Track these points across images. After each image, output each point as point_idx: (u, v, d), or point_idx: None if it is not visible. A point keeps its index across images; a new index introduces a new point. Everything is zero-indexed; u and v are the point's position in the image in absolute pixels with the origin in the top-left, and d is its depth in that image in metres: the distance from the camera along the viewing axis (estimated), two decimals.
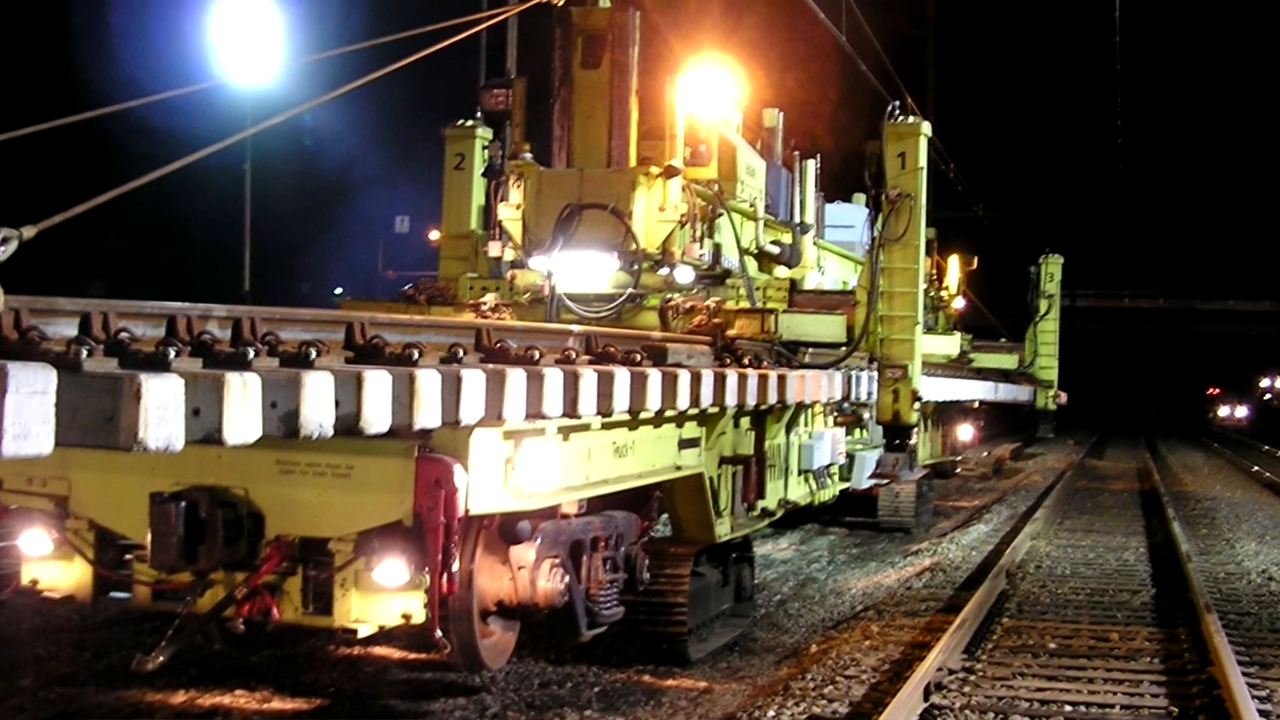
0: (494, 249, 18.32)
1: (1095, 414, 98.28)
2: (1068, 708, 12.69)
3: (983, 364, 41.88)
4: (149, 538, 9.77)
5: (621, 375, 10.90)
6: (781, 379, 14.93)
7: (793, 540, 25.73)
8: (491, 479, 10.10)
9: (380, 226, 59.04)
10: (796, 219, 22.64)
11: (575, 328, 13.19)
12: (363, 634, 10.15)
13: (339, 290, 54.38)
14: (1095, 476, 45.98)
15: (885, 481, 24.55)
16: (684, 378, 12.08)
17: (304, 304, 18.02)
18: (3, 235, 7.15)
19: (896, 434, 21.00)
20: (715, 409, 13.31)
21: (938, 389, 30.11)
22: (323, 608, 10.08)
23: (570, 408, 10.15)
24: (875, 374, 19.65)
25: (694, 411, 12.92)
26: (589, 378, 10.39)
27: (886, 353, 20.18)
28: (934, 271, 37.09)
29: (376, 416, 8.00)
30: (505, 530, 10.81)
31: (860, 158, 21.97)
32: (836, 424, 20.51)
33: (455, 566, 9.76)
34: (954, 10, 74.68)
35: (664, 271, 17.53)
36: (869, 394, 19.42)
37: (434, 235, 30.82)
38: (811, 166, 23.65)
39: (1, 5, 45.50)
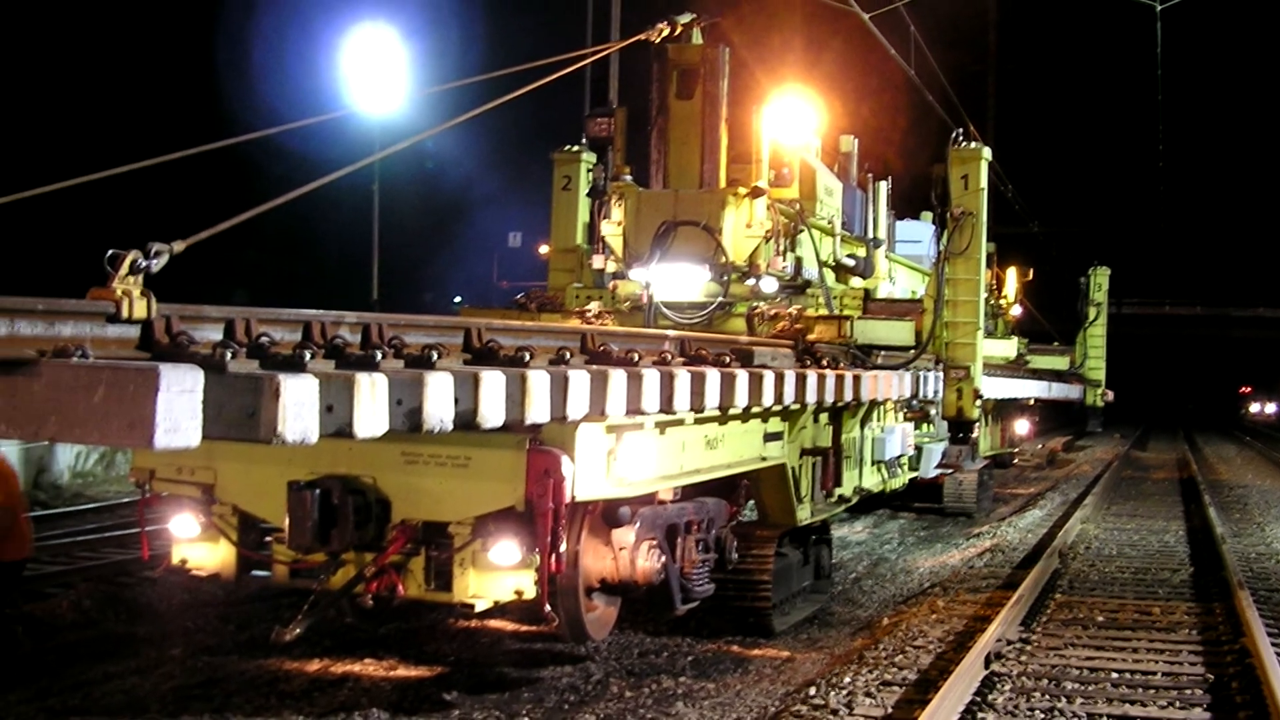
0: (598, 261, 18.33)
1: (1139, 411, 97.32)
2: (1115, 674, 12.54)
3: (1038, 365, 41.78)
4: (287, 522, 9.84)
5: (712, 375, 10.80)
6: (856, 379, 14.77)
7: (866, 524, 25.57)
8: (595, 469, 10.04)
9: (495, 241, 59.13)
10: (870, 235, 22.52)
11: (671, 333, 13.09)
12: (479, 608, 10.12)
13: (458, 299, 54.53)
14: (1139, 467, 45.56)
15: (950, 471, 24.63)
16: (769, 378, 11.96)
17: (426, 311, 18.01)
18: (156, 249, 7.11)
19: (960, 428, 20.81)
20: (797, 406, 13.16)
21: (997, 388, 29.82)
22: (443, 585, 10.11)
23: (666, 404, 10.05)
24: (941, 374, 19.46)
25: (778, 408, 12.78)
26: (683, 377, 10.29)
27: (951, 355, 19.98)
28: (994, 282, 36.75)
29: (492, 412, 7.93)
30: (608, 515, 10.83)
31: (927, 180, 21.75)
32: (906, 419, 20.33)
33: (563, 547, 9.74)
34: (1013, 48, 74.31)
35: (750, 282, 17.43)
36: (935, 392, 19.24)
37: (543, 249, 30.79)
38: (883, 187, 23.59)
39: (158, 46, 46.04)
